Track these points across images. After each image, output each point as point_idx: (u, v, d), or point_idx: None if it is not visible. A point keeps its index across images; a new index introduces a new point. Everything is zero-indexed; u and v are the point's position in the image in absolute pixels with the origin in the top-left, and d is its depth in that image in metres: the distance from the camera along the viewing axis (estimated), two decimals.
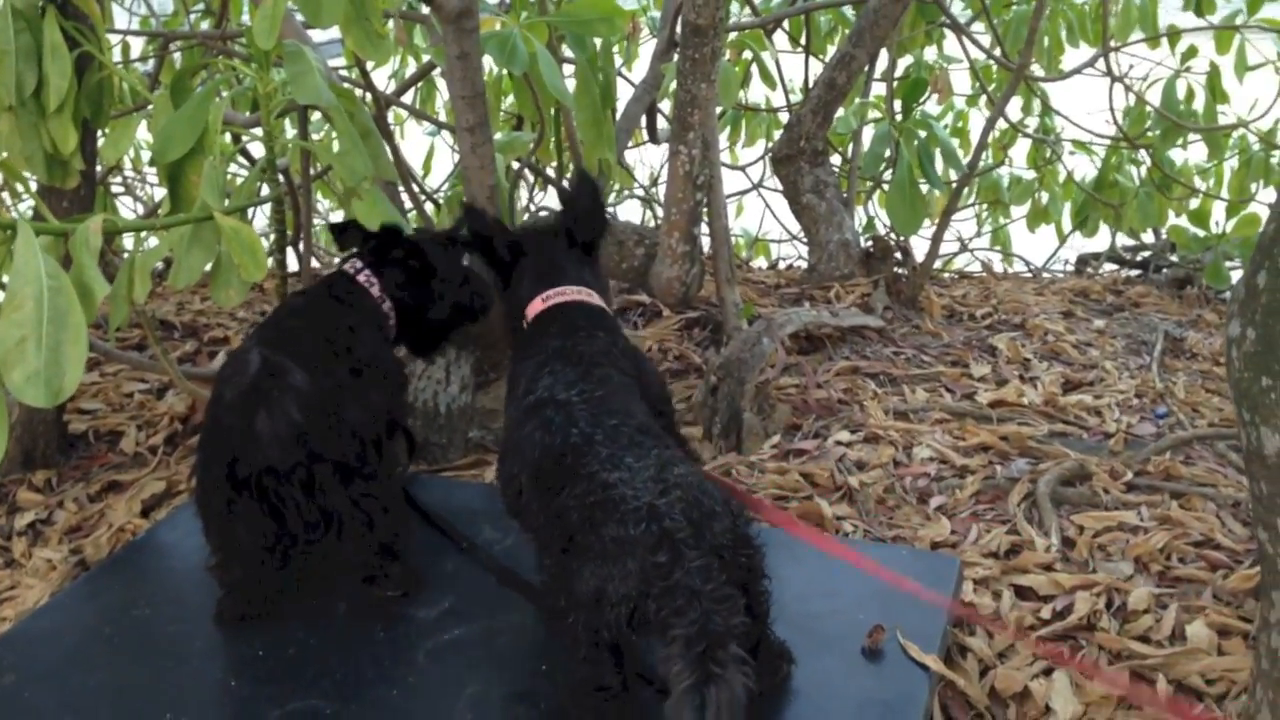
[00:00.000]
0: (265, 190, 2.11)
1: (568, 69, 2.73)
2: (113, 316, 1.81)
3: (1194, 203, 3.83)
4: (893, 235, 3.25)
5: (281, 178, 2.33)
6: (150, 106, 2.18)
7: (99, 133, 2.20)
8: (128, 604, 1.70)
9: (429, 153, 4.16)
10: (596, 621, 1.31)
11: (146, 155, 3.87)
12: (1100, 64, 3.52)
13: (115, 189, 3.92)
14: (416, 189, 3.04)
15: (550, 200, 3.63)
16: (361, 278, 1.90)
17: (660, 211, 2.47)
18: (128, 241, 3.23)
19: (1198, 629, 1.71)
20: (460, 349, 2.38)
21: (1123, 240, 4.16)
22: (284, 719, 1.46)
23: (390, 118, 3.11)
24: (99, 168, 2.46)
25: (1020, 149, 4.31)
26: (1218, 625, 1.72)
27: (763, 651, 1.45)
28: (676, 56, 2.32)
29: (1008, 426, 2.34)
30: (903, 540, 1.98)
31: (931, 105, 3.90)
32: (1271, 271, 1.14)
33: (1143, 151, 3.75)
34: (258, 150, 3.27)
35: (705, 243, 2.54)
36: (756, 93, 4.11)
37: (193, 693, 1.52)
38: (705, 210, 2.42)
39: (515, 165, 3.06)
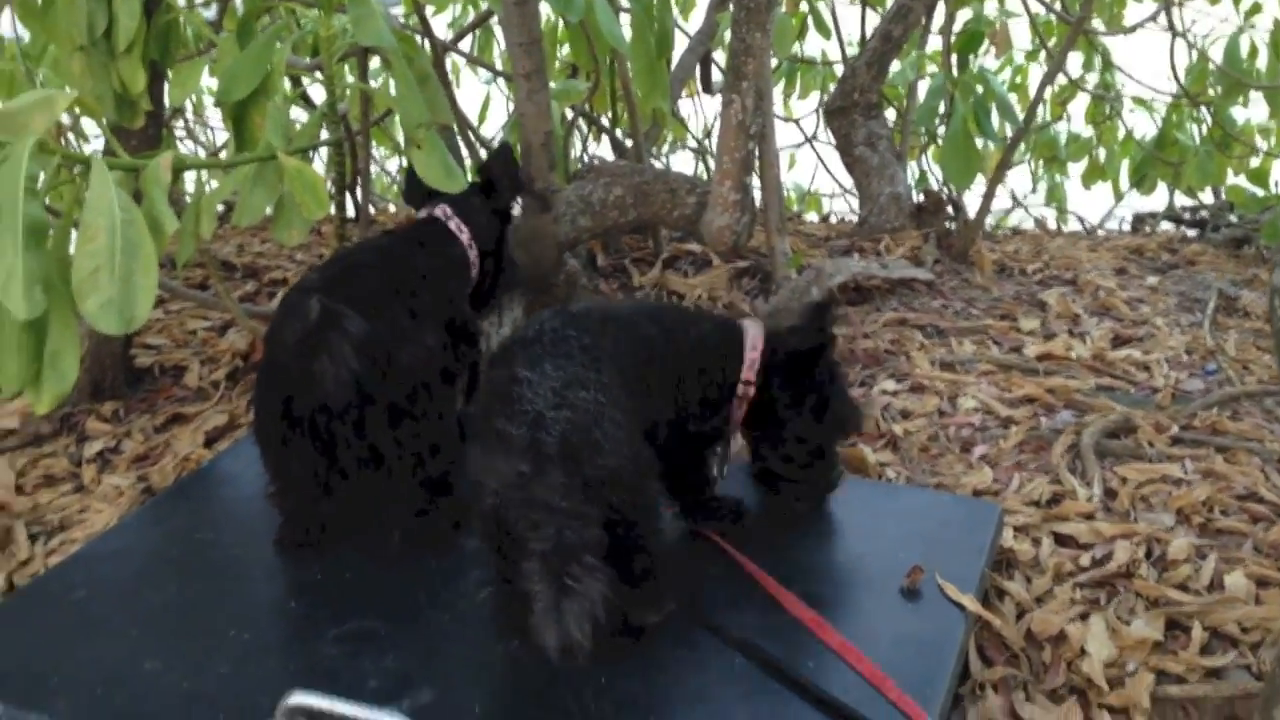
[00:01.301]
0: (325, 134, 2.17)
1: (624, 18, 2.75)
2: (180, 252, 1.87)
3: (1254, 162, 3.79)
4: (945, 189, 3.25)
5: (341, 124, 2.38)
6: (215, 50, 2.23)
7: (166, 74, 2.25)
8: (192, 528, 1.77)
9: (484, 102, 4.20)
10: (478, 510, 1.40)
11: (209, 100, 3.94)
12: (1162, 19, 3.48)
13: (178, 133, 4.00)
14: (472, 137, 3.08)
15: (604, 150, 3.65)
16: (452, 225, 1.94)
17: (713, 164, 2.49)
18: (188, 185, 3.30)
19: (1236, 579, 1.73)
20: (514, 292, 2.43)
21: (1181, 200, 4.12)
22: (340, 638, 1.51)
23: (448, 66, 3.15)
24: (165, 109, 2.53)
25: (1079, 105, 4.28)
26: (1256, 576, 1.74)
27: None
28: (732, 6, 2.33)
29: (1054, 379, 2.35)
30: (945, 488, 2.00)
31: (989, 60, 3.88)
32: None
33: (1204, 109, 3.71)
34: (318, 96, 3.32)
35: (757, 193, 2.56)
36: (812, 45, 4.10)
37: (254, 611, 1.59)
38: (757, 160, 2.44)
39: (570, 114, 3.10)
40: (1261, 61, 3.57)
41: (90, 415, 2.34)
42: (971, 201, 3.29)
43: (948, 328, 2.63)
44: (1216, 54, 3.58)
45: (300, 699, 1.31)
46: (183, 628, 1.55)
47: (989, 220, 3.52)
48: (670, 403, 1.62)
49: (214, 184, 2.06)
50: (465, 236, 1.93)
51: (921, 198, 3.21)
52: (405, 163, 2.08)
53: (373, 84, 2.85)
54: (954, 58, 3.25)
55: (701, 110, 4.28)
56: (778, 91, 4.20)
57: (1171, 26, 3.50)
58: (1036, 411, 2.26)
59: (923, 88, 3.29)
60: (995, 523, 1.76)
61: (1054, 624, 1.66)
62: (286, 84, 2.74)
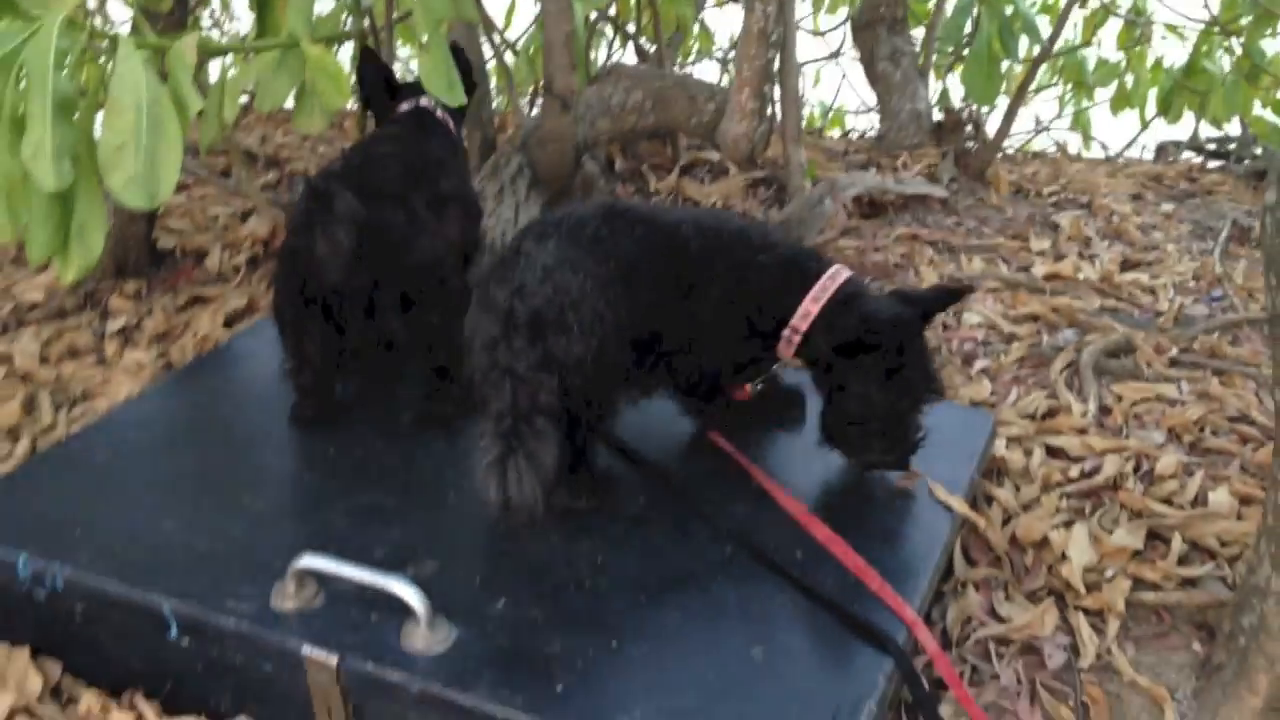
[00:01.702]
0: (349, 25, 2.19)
1: None
2: (203, 136, 1.90)
3: None
4: (966, 108, 3.25)
5: (365, 16, 2.40)
6: None
7: None
8: (211, 401, 1.84)
9: (510, 6, 4.19)
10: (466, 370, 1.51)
11: None
12: None
13: (204, 23, 4.00)
14: (497, 39, 3.09)
15: (628, 57, 3.65)
16: (439, 114, 1.98)
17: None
18: (211, 76, 3.32)
19: (1220, 496, 1.78)
20: (531, 191, 2.47)
21: (1206, 130, 4.09)
22: (351, 510, 1.58)
23: None
24: None
25: (1111, 30, 4.23)
26: (1241, 494, 1.79)
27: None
28: None
29: (1060, 299, 2.38)
30: None
31: None
32: None
33: (1234, 39, 3.67)
34: None
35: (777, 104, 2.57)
36: None
37: (268, 480, 1.66)
38: (777, 69, 2.45)
39: (594, 18, 3.09)
40: None
41: (113, 292, 2.40)
42: (993, 123, 3.29)
43: (958, 245, 2.65)
44: None
45: (310, 562, 1.38)
46: (200, 492, 1.61)
47: (1011, 144, 3.52)
48: (690, 319, 1.58)
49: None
50: (452, 126, 1.98)
51: (942, 116, 3.21)
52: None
53: None
54: None
55: (727, 23, 4.26)
56: (808, 5, 4.17)
57: None
58: (1039, 329, 2.29)
59: (950, 4, 3.27)
60: (988, 431, 1.81)
61: (1038, 530, 1.72)
62: None
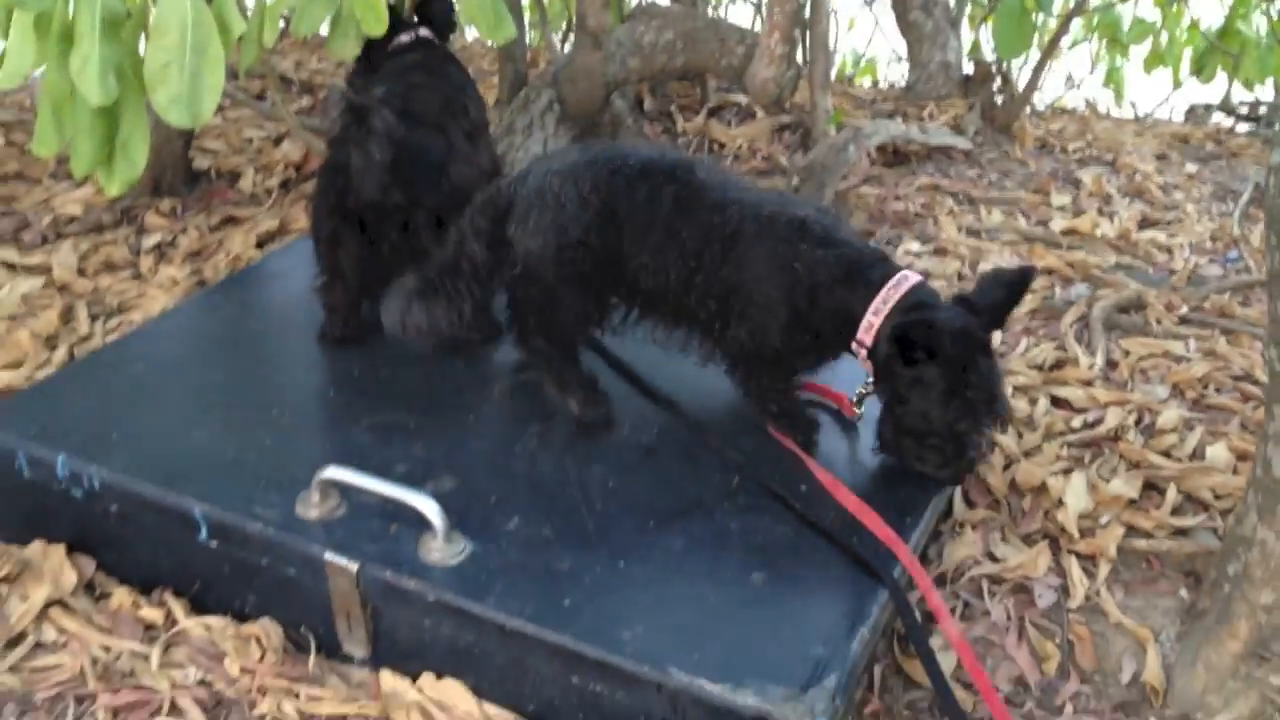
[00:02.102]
0: None
1: None
2: (242, 59, 1.95)
3: None
4: (996, 60, 3.25)
5: None
6: None
7: None
8: (242, 317, 1.90)
9: None
10: None
11: None
12: None
13: None
14: None
15: None
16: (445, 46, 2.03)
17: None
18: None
19: (1218, 450, 1.83)
20: (560, 127, 2.50)
21: (1239, 94, 4.08)
22: (373, 427, 1.64)
23: None
24: None
25: None
26: (1238, 450, 1.83)
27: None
28: None
29: (1076, 254, 2.42)
30: None
31: None
32: None
33: (1271, 2, 3.65)
34: None
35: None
36: None
37: (296, 395, 1.72)
38: (808, 14, 2.47)
39: None
40: None
41: (149, 210, 2.46)
42: (1023, 78, 3.30)
43: (979, 197, 2.68)
44: None
45: (334, 473, 1.44)
46: (230, 404, 1.68)
47: (1041, 99, 3.52)
48: (714, 292, 1.56)
49: None
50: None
51: (972, 67, 3.22)
52: None
53: None
54: None
55: None
56: None
57: None
58: (1054, 282, 2.33)
59: None
60: None
61: (1037, 476, 1.77)
62: None
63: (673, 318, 1.64)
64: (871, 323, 1.49)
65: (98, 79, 1.55)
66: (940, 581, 1.62)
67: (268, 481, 1.51)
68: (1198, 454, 1.84)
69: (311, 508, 1.45)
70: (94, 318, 2.13)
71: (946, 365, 1.45)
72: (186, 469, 1.53)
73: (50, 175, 2.61)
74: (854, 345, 1.53)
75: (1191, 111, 4.09)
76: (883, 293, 1.49)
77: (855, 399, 1.69)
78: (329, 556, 1.39)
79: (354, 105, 1.67)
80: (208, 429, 1.61)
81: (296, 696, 1.41)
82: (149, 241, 2.35)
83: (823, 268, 1.52)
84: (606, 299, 1.65)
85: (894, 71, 4.54)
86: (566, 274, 1.58)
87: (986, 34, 3.99)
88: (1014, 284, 1.50)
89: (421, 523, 1.40)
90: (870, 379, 1.59)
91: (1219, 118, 4.00)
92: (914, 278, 1.51)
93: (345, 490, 1.47)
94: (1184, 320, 2.20)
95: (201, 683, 1.43)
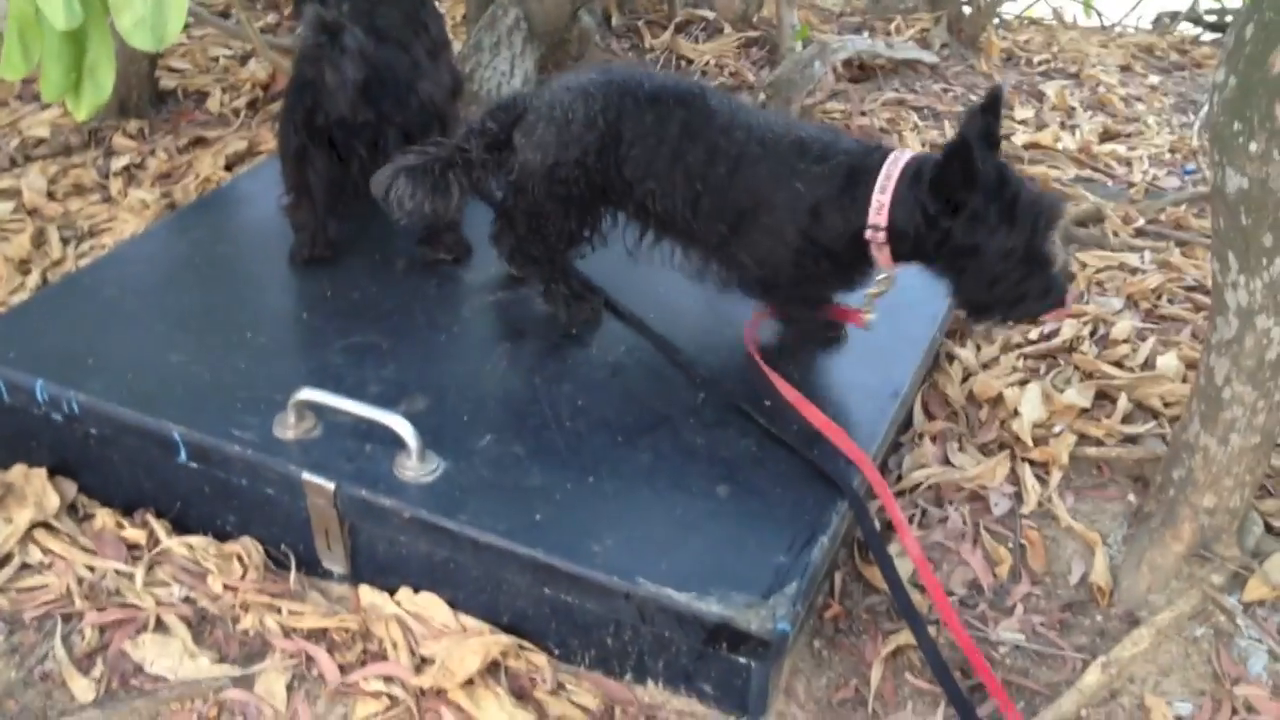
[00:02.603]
0: None
1: None
2: None
3: None
4: None
5: None
6: None
7: None
8: (213, 240, 1.91)
9: None
10: None
11: None
12: None
13: None
14: None
15: None
16: None
17: None
18: None
19: (1169, 360, 1.89)
20: (527, 45, 2.50)
21: (1206, 2, 4.08)
22: (346, 349, 1.67)
23: None
24: None
25: None
26: (1188, 359, 1.89)
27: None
28: None
29: (1037, 168, 2.45)
30: None
31: None
32: (1259, 25, 1.24)
33: None
34: None
35: None
36: None
37: (270, 318, 1.74)
38: None
39: None
40: None
41: (117, 131, 2.46)
42: None
43: (944, 111, 2.70)
44: None
45: (309, 395, 1.48)
46: (204, 327, 1.71)
47: (1009, 9, 3.52)
48: (717, 207, 1.56)
49: None
50: None
51: None
52: None
53: None
54: None
55: None
56: None
57: None
58: None
59: None
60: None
61: (994, 387, 1.83)
62: None
63: (686, 242, 1.64)
64: (881, 202, 1.45)
65: (63, 3, 1.54)
66: (901, 493, 1.68)
67: (244, 403, 1.54)
68: (1149, 364, 1.90)
69: (288, 429, 1.49)
70: (65, 241, 2.14)
71: (990, 191, 1.39)
72: (164, 392, 1.56)
73: (16, 97, 2.59)
74: (869, 235, 1.47)
75: (1158, 20, 4.10)
76: (884, 169, 1.46)
77: (866, 305, 1.65)
78: (306, 476, 1.43)
79: (326, 22, 1.68)
80: (183, 352, 1.64)
81: (278, 612, 1.46)
82: (118, 164, 2.35)
83: (823, 182, 1.49)
84: (598, 219, 1.67)
85: None
86: (556, 191, 1.60)
87: None
88: (987, 107, 1.43)
89: (396, 442, 1.44)
90: (881, 276, 1.59)
91: (1186, 27, 4.00)
92: (909, 153, 1.49)
93: (320, 411, 1.51)
94: (1140, 232, 2.24)
95: (186, 600, 1.48)
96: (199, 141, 2.43)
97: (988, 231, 1.41)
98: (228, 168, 2.32)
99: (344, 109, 1.70)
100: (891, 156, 1.48)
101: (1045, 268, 1.44)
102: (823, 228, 1.51)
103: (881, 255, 1.49)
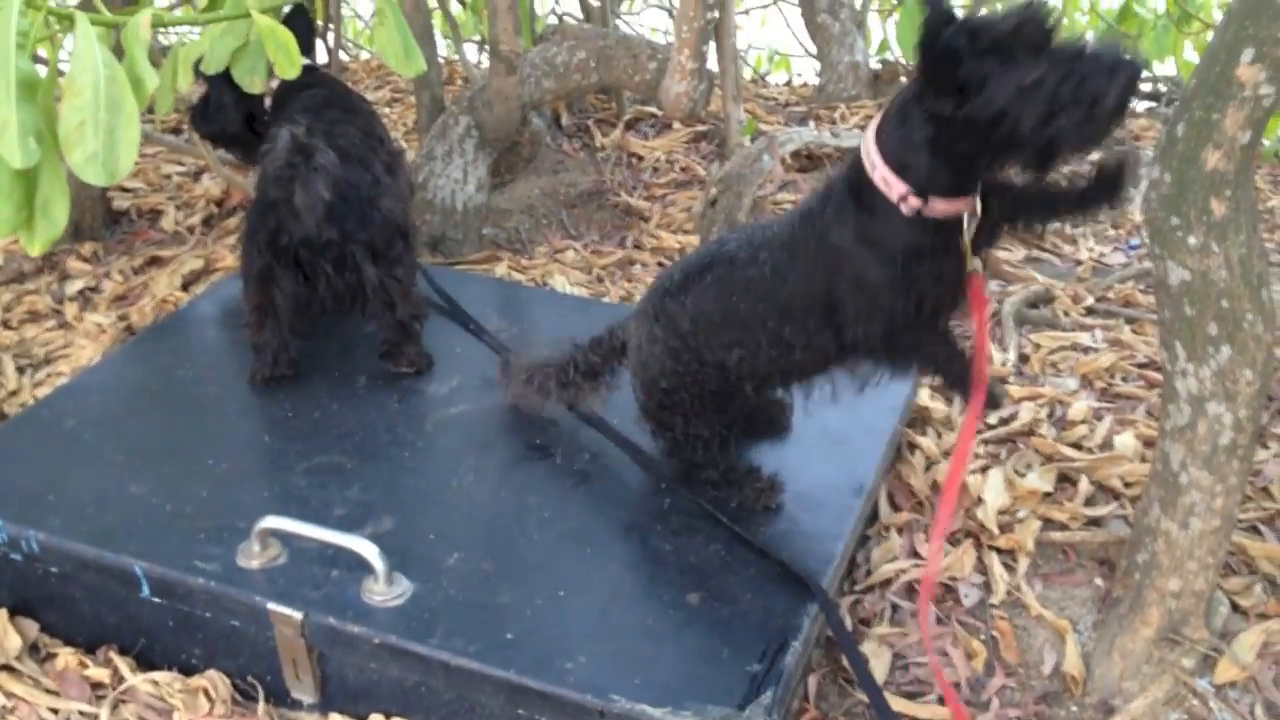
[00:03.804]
0: None
1: None
2: (158, 105, 1.95)
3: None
4: (901, 60, 3.33)
5: None
6: None
7: None
8: (172, 365, 1.91)
9: None
10: None
11: None
12: None
13: None
14: None
15: (573, 5, 3.68)
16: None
17: None
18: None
19: (1126, 439, 1.91)
20: (479, 151, 2.53)
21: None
22: (310, 471, 1.67)
23: None
24: None
25: None
26: (1145, 437, 1.92)
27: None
28: None
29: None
30: None
31: None
32: (1190, 123, 1.29)
33: None
34: None
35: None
36: None
37: (231, 443, 1.74)
38: (716, 29, 2.52)
39: None
40: None
41: (71, 255, 2.45)
42: None
43: None
44: None
45: (273, 522, 1.47)
46: (165, 456, 1.69)
47: None
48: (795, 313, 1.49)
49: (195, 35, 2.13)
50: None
51: (879, 67, 3.29)
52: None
53: None
54: None
55: None
56: None
57: None
58: None
59: None
60: (911, 384, 1.92)
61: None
62: None
63: (805, 369, 1.57)
64: (875, 164, 1.35)
65: (18, 143, 1.55)
66: (870, 588, 1.68)
67: (207, 533, 1.53)
68: (1107, 444, 1.92)
69: (252, 558, 1.48)
70: (21, 370, 2.12)
71: (974, 49, 1.23)
72: (125, 525, 1.54)
73: None
74: (905, 210, 1.34)
75: None
76: (863, 155, 1.37)
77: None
78: (272, 606, 1.42)
79: (301, 144, 1.71)
80: (144, 483, 1.63)
81: None
82: (72, 288, 2.35)
83: (834, 214, 1.41)
84: (727, 410, 1.62)
85: (807, 65, 4.61)
86: (666, 403, 1.60)
87: (895, 31, 4.07)
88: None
89: (362, 566, 1.43)
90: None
91: None
92: (869, 130, 1.38)
93: (285, 538, 1.50)
94: (1090, 311, 2.29)
95: None
96: (154, 261, 2.43)
97: (1002, 81, 1.23)
98: (184, 287, 2.32)
99: (311, 229, 1.72)
100: (860, 144, 1.39)
101: (1078, 59, 1.23)
102: (871, 243, 1.38)
103: (939, 209, 1.34)
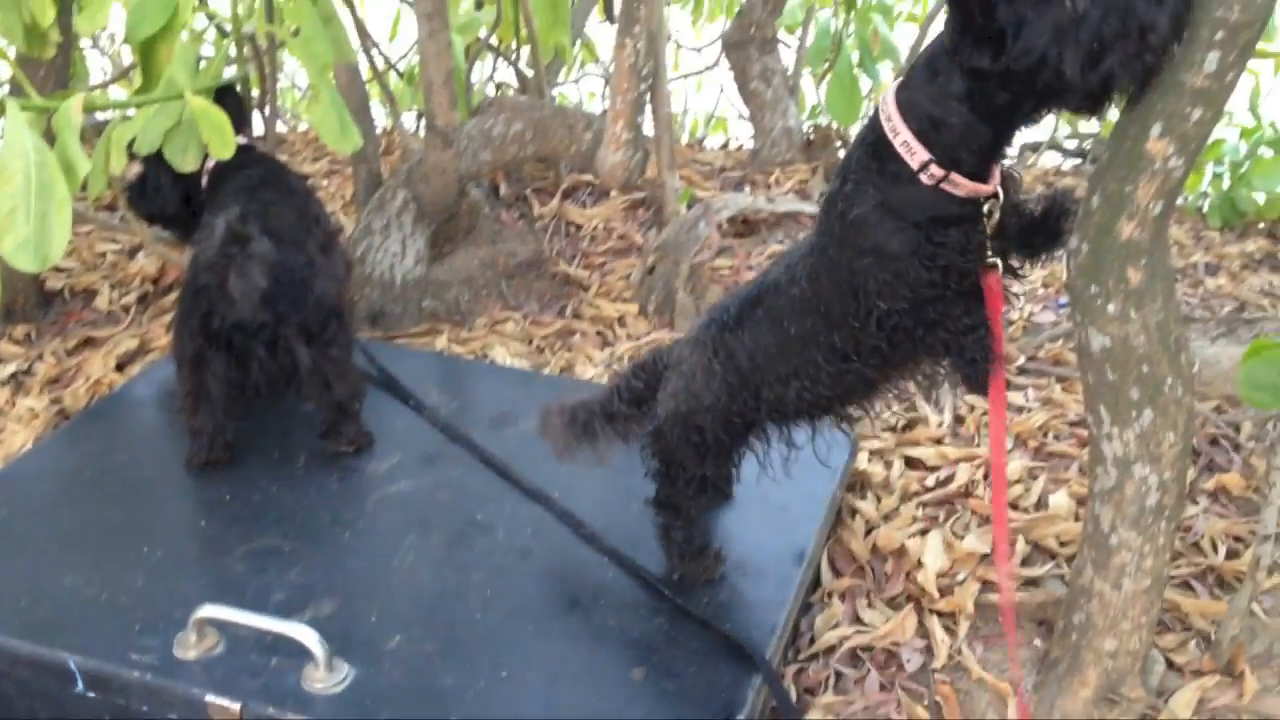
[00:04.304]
0: (232, 68, 2.24)
1: None
2: (91, 187, 1.94)
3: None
4: (833, 124, 3.39)
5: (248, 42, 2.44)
6: None
7: (74, 6, 2.29)
8: (107, 450, 1.89)
9: (395, 18, 4.22)
10: None
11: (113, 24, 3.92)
12: None
13: (84, 42, 3.97)
14: (380, 61, 3.14)
15: (509, 75, 3.72)
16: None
17: None
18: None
19: (1060, 498, 1.94)
20: (417, 224, 2.54)
21: (1065, 131, 4.31)
22: (248, 555, 1.65)
23: None
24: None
25: None
26: (1079, 495, 1.95)
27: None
28: None
29: None
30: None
31: None
32: (1103, 195, 1.33)
33: None
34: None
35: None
36: None
37: (168, 530, 1.72)
38: (650, 99, 2.56)
39: (482, 36, 3.15)
40: None
41: (2, 338, 2.42)
42: None
43: None
44: None
45: (210, 611, 1.45)
46: (100, 545, 1.67)
47: None
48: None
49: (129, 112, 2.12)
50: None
51: (812, 132, 3.35)
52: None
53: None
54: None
55: (609, 39, 4.35)
56: (686, 15, 4.30)
57: None
58: None
59: (817, 22, 3.40)
60: (849, 449, 1.94)
61: (897, 539, 1.86)
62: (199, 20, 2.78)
63: (868, 384, 1.49)
64: (897, 129, 1.27)
65: None
66: (814, 656, 1.69)
67: (143, 624, 1.51)
68: (1042, 503, 1.95)
69: (189, 648, 1.46)
70: None
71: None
72: (58, 618, 1.52)
73: None
74: (924, 176, 1.27)
75: (1021, 154, 4.30)
76: (881, 119, 1.29)
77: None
78: (210, 698, 1.40)
79: (236, 232, 1.72)
80: (78, 573, 1.60)
81: None
82: (4, 372, 2.32)
83: (853, 192, 1.33)
84: (733, 459, 1.65)
85: (745, 127, 4.67)
86: (691, 439, 1.57)
87: (826, 96, 4.14)
88: None
89: (302, 652, 1.41)
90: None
91: (1050, 156, 4.21)
92: (889, 94, 1.31)
93: (222, 627, 1.48)
94: (1022, 370, 2.33)
95: None
96: (88, 342, 2.41)
97: (1038, 24, 1.15)
98: (119, 368, 2.30)
99: (246, 314, 1.72)
100: (879, 107, 1.31)
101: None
102: (893, 211, 1.30)
103: (961, 186, 1.28)
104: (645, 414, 1.64)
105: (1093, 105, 1.21)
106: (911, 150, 1.27)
